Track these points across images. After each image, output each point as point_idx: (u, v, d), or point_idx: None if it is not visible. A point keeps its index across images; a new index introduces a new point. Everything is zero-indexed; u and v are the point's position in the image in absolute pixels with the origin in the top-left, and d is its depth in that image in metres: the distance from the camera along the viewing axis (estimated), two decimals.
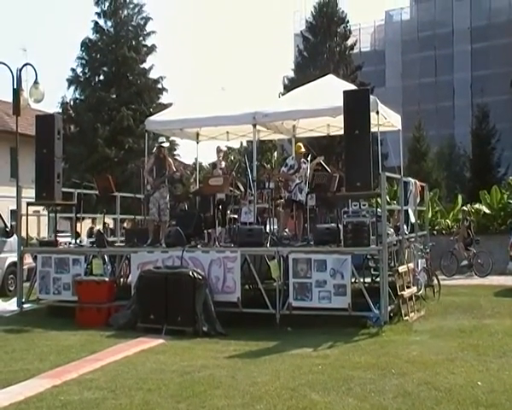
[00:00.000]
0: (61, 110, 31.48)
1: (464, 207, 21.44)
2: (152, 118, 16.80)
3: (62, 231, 19.66)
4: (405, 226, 13.42)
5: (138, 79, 32.74)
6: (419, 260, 13.38)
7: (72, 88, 32.55)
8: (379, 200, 11.73)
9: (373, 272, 13.30)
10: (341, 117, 11.67)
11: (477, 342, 9.09)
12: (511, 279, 16.46)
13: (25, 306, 13.38)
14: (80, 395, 6.72)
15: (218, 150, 14.54)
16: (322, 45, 37.96)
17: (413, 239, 14.00)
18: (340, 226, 11.58)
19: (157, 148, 13.54)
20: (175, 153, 32.29)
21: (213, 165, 14.58)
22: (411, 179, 14.47)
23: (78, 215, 15.50)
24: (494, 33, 53.87)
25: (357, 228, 11.04)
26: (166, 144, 13.72)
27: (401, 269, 11.72)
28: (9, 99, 17.34)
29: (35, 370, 7.93)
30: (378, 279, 11.57)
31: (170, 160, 13.75)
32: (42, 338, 10.29)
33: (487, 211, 21.94)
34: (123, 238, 15.23)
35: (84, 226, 17.26)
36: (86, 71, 32.84)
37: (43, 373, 7.77)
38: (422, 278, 13.26)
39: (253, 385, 7.00)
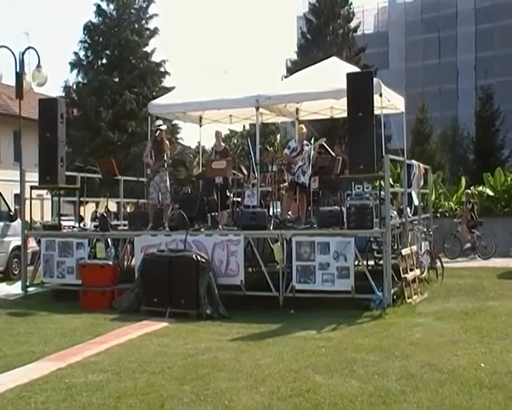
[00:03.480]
0: (63, 94, 31.38)
1: (468, 190, 21.37)
2: (155, 101, 16.78)
3: (66, 215, 19.66)
4: (409, 209, 13.40)
5: (141, 63, 32.57)
6: (422, 243, 13.38)
7: (75, 72, 32.47)
8: (382, 182, 11.71)
9: (376, 255, 13.27)
10: (345, 99, 11.61)
11: (480, 324, 9.10)
12: None
13: (29, 289, 13.43)
14: (85, 378, 6.74)
15: (217, 134, 14.62)
16: (326, 27, 37.77)
17: (416, 222, 13.99)
18: (344, 209, 11.59)
19: (154, 131, 13.44)
20: (178, 136, 32.28)
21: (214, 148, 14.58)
22: (415, 162, 14.45)
23: (82, 199, 15.51)
24: (498, 14, 53.58)
25: (360, 211, 11.03)
26: (164, 127, 13.63)
27: (404, 252, 11.72)
28: (12, 83, 17.35)
29: (40, 353, 7.95)
30: (381, 262, 11.56)
31: (167, 142, 13.66)
32: (46, 321, 10.32)
33: (491, 193, 21.90)
34: (126, 222, 15.25)
35: (87, 210, 17.26)
36: (89, 54, 32.70)
37: (47, 356, 7.79)
38: (426, 260, 13.26)
39: (256, 368, 7.01)
